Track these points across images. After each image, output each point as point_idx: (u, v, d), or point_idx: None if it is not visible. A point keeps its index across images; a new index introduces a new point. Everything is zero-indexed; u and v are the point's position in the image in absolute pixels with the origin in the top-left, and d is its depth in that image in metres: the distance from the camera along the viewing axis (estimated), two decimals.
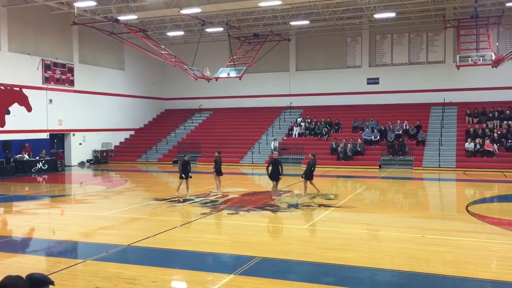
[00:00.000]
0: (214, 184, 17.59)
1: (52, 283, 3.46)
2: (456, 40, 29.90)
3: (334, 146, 28.34)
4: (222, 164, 17.62)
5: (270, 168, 15.49)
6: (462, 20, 28.64)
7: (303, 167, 27.38)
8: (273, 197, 15.52)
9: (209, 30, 31.60)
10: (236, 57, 30.47)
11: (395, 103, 32.49)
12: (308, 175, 16.38)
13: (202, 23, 28.81)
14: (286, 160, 28.77)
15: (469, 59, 25.21)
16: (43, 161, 26.46)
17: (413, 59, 32.82)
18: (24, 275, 3.40)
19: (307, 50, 35.09)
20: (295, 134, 31.53)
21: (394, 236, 10.53)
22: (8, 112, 25.95)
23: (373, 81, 33.47)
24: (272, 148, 29.76)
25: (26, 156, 26.01)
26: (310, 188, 16.37)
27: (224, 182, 18.41)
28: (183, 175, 16.64)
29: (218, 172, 17.12)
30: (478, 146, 26.07)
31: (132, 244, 9.75)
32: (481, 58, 24.87)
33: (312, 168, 16.50)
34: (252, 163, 29.36)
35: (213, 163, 17.48)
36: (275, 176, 15.39)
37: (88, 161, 31.37)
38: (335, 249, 9.35)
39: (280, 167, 15.36)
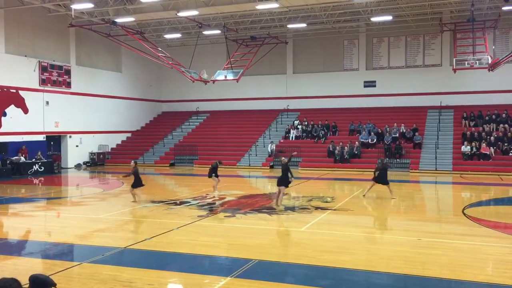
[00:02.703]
0: (211, 187, 18.07)
1: (54, 285, 3.47)
2: (452, 44, 30.04)
3: (331, 149, 28.37)
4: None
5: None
6: (459, 24, 28.78)
7: (300, 170, 27.51)
8: (277, 204, 14.54)
9: (206, 32, 31.62)
10: (234, 60, 30.51)
11: (392, 106, 32.56)
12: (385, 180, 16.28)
13: (200, 25, 28.84)
14: None
15: (466, 62, 25.32)
16: (40, 163, 26.39)
17: (410, 62, 32.91)
18: (19, 278, 3.39)
19: (304, 53, 35.15)
20: (292, 137, 31.54)
21: (390, 239, 10.54)
22: (5, 114, 25.88)
23: (370, 84, 33.55)
24: (269, 151, 29.79)
25: (23, 158, 25.93)
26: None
27: (221, 184, 18.46)
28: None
29: (210, 175, 18.08)
30: (474, 149, 26.15)
31: (128, 247, 9.73)
32: (477, 62, 24.97)
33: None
34: (249, 165, 29.35)
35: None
36: (285, 182, 14.69)
37: (84, 163, 31.31)
38: (331, 252, 9.36)
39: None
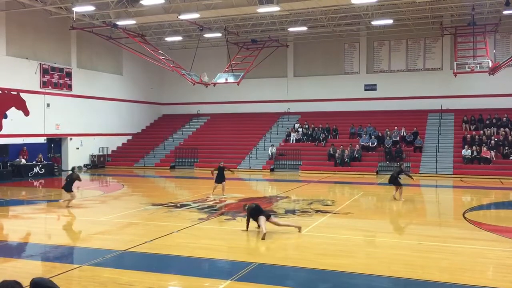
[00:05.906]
0: (210, 190, 18.15)
1: None
2: (453, 47, 30.06)
3: (331, 152, 28.36)
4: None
5: None
6: (459, 28, 28.82)
7: (300, 173, 27.50)
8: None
9: (207, 35, 31.68)
10: (234, 63, 30.53)
11: (392, 109, 32.55)
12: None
13: (201, 28, 28.89)
14: (283, 166, 28.80)
15: (466, 66, 25.34)
16: (40, 166, 26.39)
17: (410, 66, 32.93)
18: (20, 280, 3.39)
19: (305, 56, 35.19)
20: (292, 140, 31.54)
21: (391, 243, 10.53)
22: (6, 116, 25.90)
23: (371, 87, 33.55)
24: (270, 154, 29.79)
25: (23, 160, 25.94)
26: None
27: (220, 187, 18.47)
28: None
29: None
30: (475, 153, 26.13)
31: (128, 250, 9.73)
32: (478, 65, 24.98)
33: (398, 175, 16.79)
34: (250, 168, 29.35)
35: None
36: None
37: (85, 165, 31.31)
38: (331, 255, 9.35)
39: None
